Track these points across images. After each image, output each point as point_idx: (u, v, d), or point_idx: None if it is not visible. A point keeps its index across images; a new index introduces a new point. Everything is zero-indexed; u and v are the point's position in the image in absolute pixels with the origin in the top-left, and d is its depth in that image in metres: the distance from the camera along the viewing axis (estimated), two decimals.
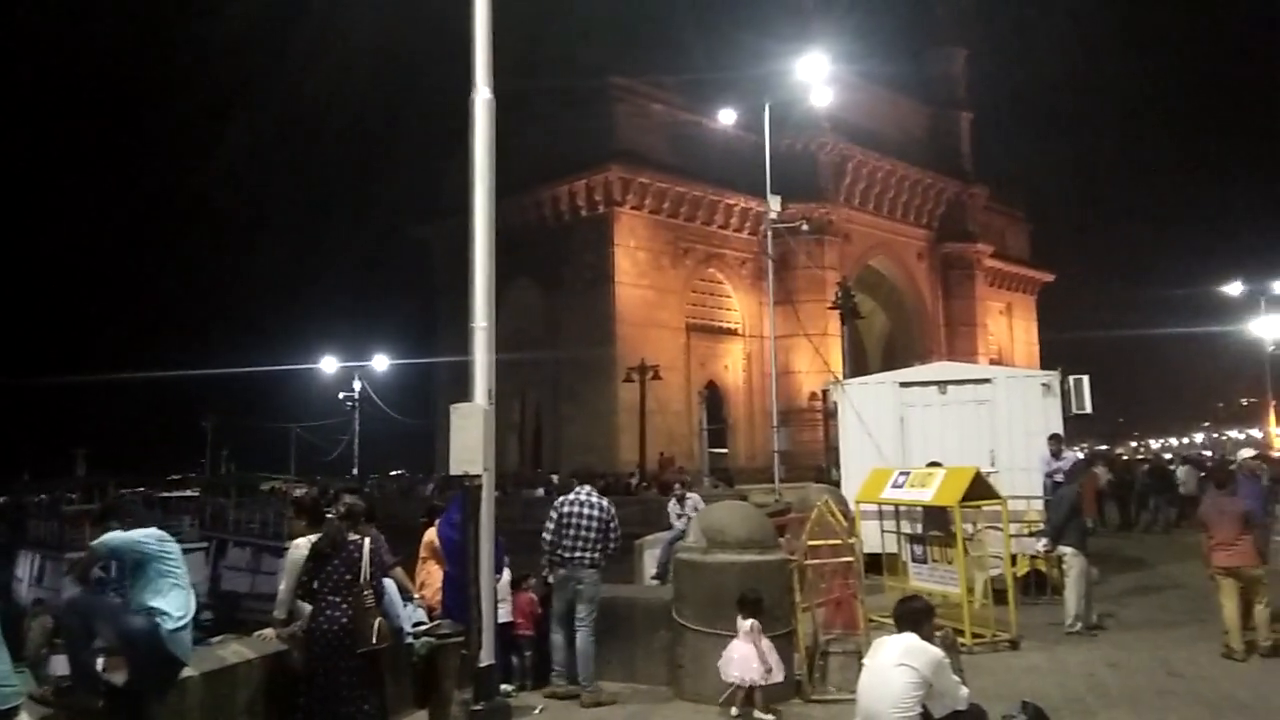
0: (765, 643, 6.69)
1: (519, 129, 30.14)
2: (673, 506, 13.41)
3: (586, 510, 7.54)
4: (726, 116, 32.58)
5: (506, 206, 34.54)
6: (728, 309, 43.26)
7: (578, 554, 7.39)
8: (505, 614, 7.36)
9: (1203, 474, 26.69)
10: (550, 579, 7.56)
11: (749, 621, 6.70)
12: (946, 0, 50.81)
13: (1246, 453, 15.60)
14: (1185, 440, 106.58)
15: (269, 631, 5.90)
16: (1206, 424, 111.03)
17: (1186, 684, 7.40)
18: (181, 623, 4.74)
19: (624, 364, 35.82)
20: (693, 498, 13.32)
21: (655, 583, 11.43)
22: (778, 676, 6.71)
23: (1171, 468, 25.73)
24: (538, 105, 34.69)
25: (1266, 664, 7.93)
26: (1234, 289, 36.59)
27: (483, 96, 7.42)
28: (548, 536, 7.48)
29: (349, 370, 44.51)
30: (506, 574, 7.59)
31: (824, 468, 26.00)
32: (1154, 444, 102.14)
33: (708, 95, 36.03)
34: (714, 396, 42.24)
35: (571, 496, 7.62)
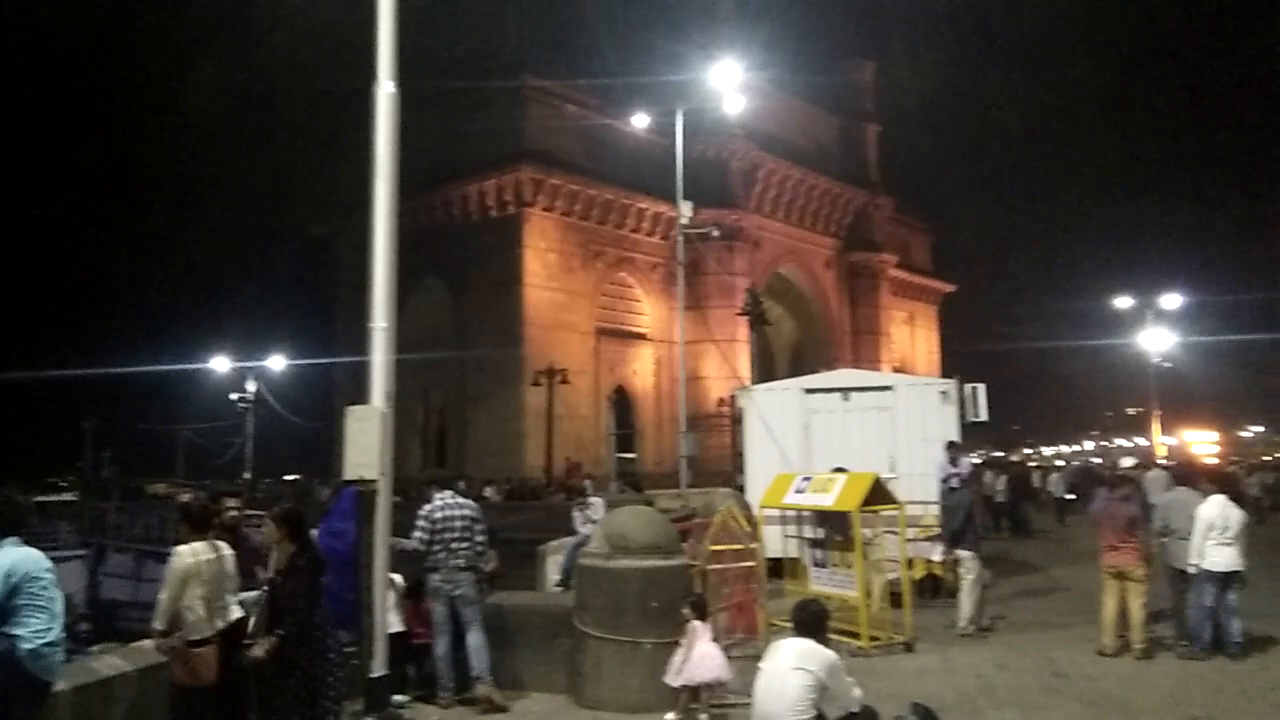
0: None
1: (427, 126, 29.63)
2: (577, 512, 13.30)
3: (458, 513, 7.43)
4: (640, 121, 32.66)
5: (412, 205, 34.03)
6: (638, 313, 43.36)
7: (454, 559, 7.27)
8: (397, 623, 7.17)
9: (1072, 480, 27.97)
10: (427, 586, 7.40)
11: (707, 622, 6.72)
12: (855, 13, 52.10)
13: (1128, 461, 16.30)
14: (1076, 447, 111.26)
15: (148, 643, 5.61)
16: (1096, 432, 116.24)
17: (1070, 683, 7.66)
18: (40, 643, 4.52)
19: (532, 367, 35.55)
20: (596, 502, 13.23)
21: (559, 589, 11.32)
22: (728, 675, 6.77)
23: (1056, 473, 26.90)
24: (448, 103, 34.19)
25: (1142, 664, 8.28)
26: (1124, 302, 38.29)
27: (385, 90, 7.24)
28: (419, 543, 7.31)
29: (243, 370, 42.96)
30: (397, 580, 7.40)
31: (731, 473, 26.24)
32: (1047, 451, 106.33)
33: (621, 99, 36.08)
34: (623, 401, 42.27)
35: (440, 503, 7.47)
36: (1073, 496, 26.16)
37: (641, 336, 43.08)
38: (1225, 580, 8.48)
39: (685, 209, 25.34)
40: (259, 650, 5.35)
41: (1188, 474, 11.81)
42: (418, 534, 7.33)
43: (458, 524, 7.40)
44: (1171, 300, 37.31)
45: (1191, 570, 8.56)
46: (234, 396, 42.83)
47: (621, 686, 6.94)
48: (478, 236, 39.25)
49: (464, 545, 7.36)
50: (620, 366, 42.00)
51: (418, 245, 33.48)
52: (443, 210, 40.00)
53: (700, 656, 6.51)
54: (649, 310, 43.32)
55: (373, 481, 6.40)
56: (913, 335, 59.26)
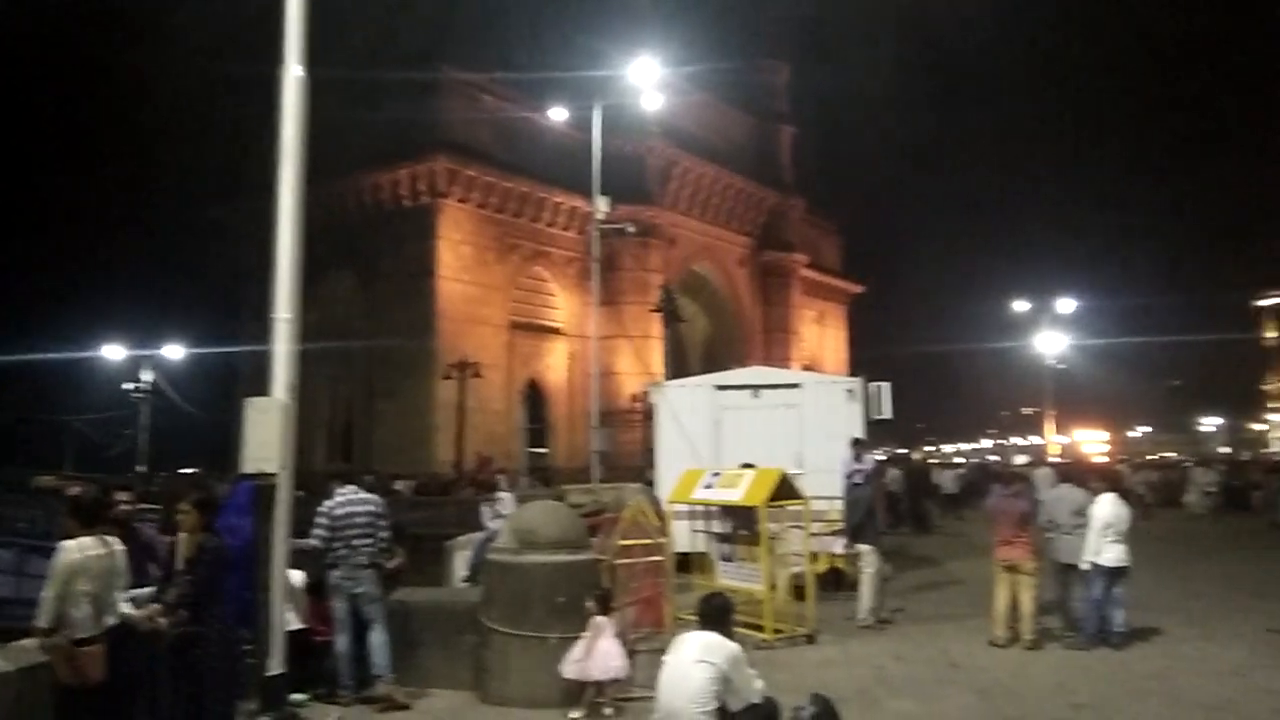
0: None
1: (338, 112, 28.94)
2: (486, 507, 13.22)
3: (361, 509, 7.30)
4: (558, 114, 32.50)
5: (321, 192, 33.15)
6: (552, 308, 43.16)
7: (356, 556, 7.14)
8: (296, 620, 7.01)
9: (961, 476, 29.02)
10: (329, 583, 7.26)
11: (612, 617, 6.71)
12: (771, 15, 52.79)
13: (1022, 459, 16.96)
14: (974, 445, 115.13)
15: (30, 641, 5.37)
16: (994, 430, 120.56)
17: (963, 673, 7.94)
18: None
19: (444, 360, 35.08)
20: (506, 498, 13.16)
21: (466, 585, 11.22)
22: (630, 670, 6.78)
23: (946, 470, 27.87)
24: (360, 90, 33.44)
25: (1031, 654, 8.63)
26: (1022, 306, 39.77)
27: (293, 73, 7.06)
28: (318, 541, 7.15)
29: (138, 359, 41.20)
30: (298, 577, 7.23)
31: (643, 469, 26.36)
32: (947, 448, 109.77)
33: (539, 92, 35.82)
34: (535, 396, 42.04)
35: (341, 499, 7.31)
36: (955, 493, 27.26)
37: (556, 331, 42.90)
38: (1114, 575, 8.89)
39: (602, 204, 25.34)
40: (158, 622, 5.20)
41: (1071, 471, 12.34)
42: (317, 531, 7.16)
43: (360, 520, 7.26)
44: (1066, 305, 38.94)
45: (1085, 566, 8.94)
46: (128, 386, 41.10)
47: (527, 682, 6.92)
48: (390, 226, 38.52)
49: (366, 542, 7.22)
50: (534, 361, 41.76)
51: (326, 234, 32.71)
52: (354, 198, 39.14)
53: (602, 652, 6.53)
54: (564, 305, 43.16)
55: (272, 475, 6.24)
56: (822, 334, 60.39)
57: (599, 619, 6.64)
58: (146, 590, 6.05)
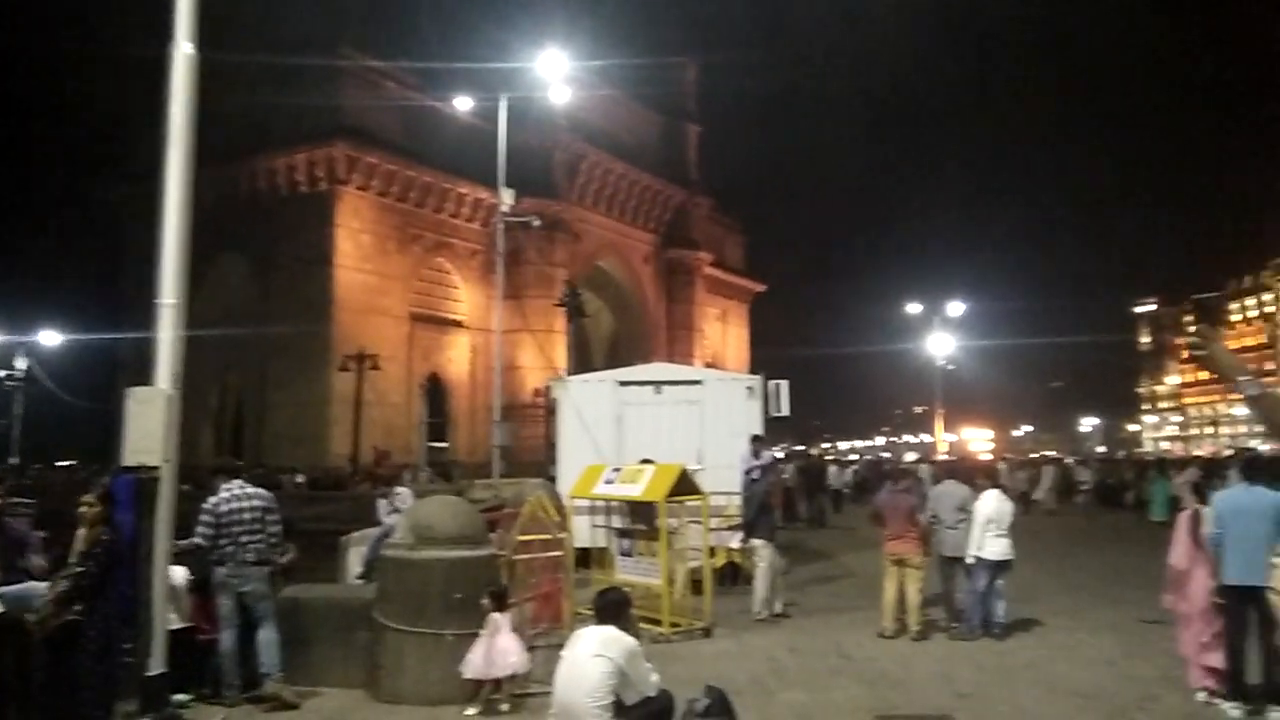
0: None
1: (233, 93, 27.95)
2: (382, 502, 12.97)
3: (248, 504, 7.06)
4: (463, 104, 32.06)
5: (213, 175, 31.90)
6: (455, 300, 42.60)
7: (243, 553, 6.91)
8: (179, 619, 6.74)
9: (854, 473, 29.86)
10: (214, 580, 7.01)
11: (508, 614, 6.63)
12: (678, 14, 53.23)
13: (912, 456, 17.50)
14: (869, 443, 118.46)
15: None
16: (887, 428, 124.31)
17: (853, 664, 8.16)
18: None
19: (340, 351, 34.27)
20: (403, 492, 12.93)
21: (360, 582, 10.98)
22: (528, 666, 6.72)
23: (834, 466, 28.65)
24: (258, 71, 32.33)
25: (918, 645, 8.93)
26: (914, 308, 41.07)
27: (183, 51, 6.78)
28: (201, 539, 6.89)
29: (11, 345, 38.97)
30: (181, 574, 6.96)
31: (544, 464, 26.25)
32: (843, 445, 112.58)
33: (445, 81, 35.26)
34: (436, 389, 41.46)
35: (227, 495, 7.07)
36: (849, 489, 27.99)
37: (458, 324, 42.36)
38: (997, 568, 9.25)
39: (507, 196, 25.11)
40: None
41: (952, 469, 12.81)
42: (200, 528, 6.89)
43: (247, 516, 7.01)
44: (956, 308, 40.37)
45: (970, 560, 9.27)
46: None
47: (422, 679, 6.82)
48: (286, 212, 37.40)
49: (254, 538, 6.98)
50: (435, 354, 41.16)
51: (218, 218, 31.54)
52: (248, 182, 37.88)
53: (499, 650, 6.48)
54: (466, 297, 42.65)
55: (155, 469, 5.99)
56: (725, 332, 61.20)
57: (495, 616, 6.59)
58: (16, 587, 5.74)
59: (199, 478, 14.46)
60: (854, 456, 67.54)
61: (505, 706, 6.54)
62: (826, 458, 46.71)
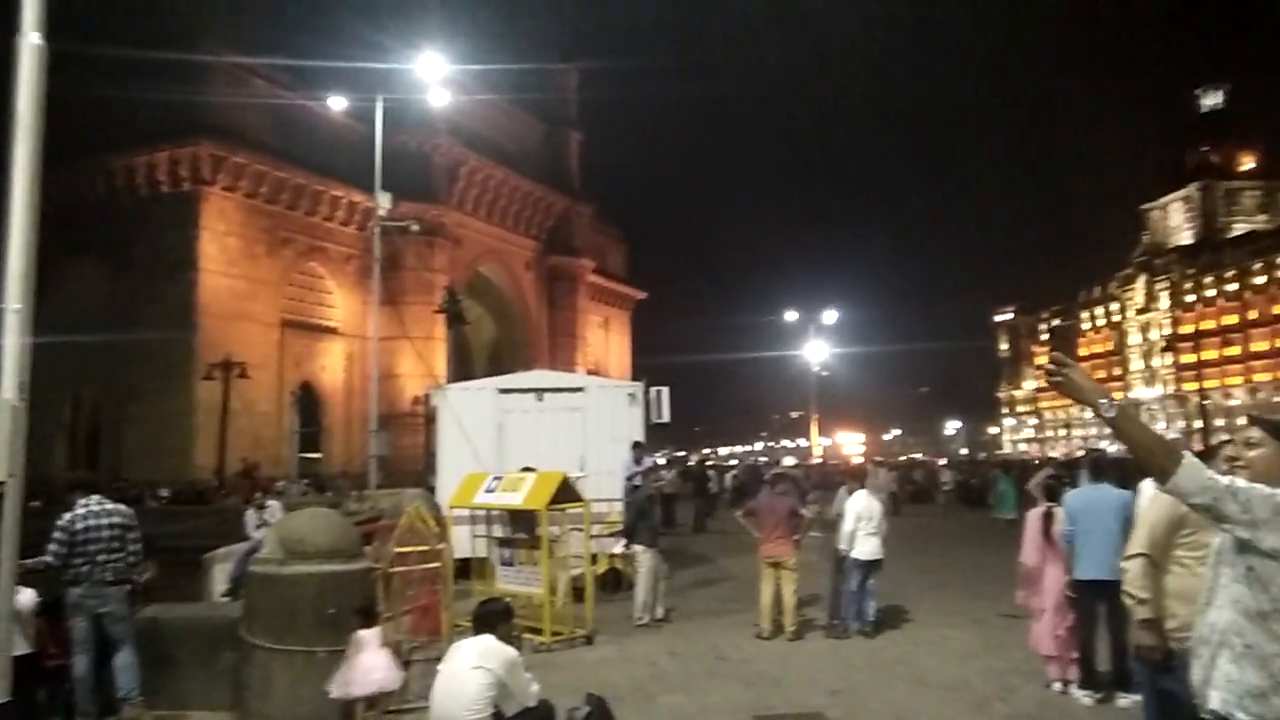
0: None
1: (88, 88, 26.44)
2: (251, 515, 12.47)
3: (105, 521, 6.70)
4: (337, 104, 31.21)
5: (64, 173, 30.18)
6: (329, 306, 41.38)
7: (100, 572, 6.54)
8: (25, 644, 6.31)
9: (735, 477, 30.41)
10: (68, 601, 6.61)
11: (376, 630, 6.43)
12: (560, 20, 53.25)
13: (789, 460, 17.93)
14: (747, 448, 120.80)
15: None
16: (765, 434, 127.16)
17: (731, 665, 8.30)
18: None
19: (206, 359, 32.79)
20: (273, 505, 12.48)
21: (226, 600, 10.52)
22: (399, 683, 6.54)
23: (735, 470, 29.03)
24: (115, 65, 30.64)
25: (794, 644, 9.15)
26: (791, 317, 42.17)
27: (30, 41, 6.36)
28: (53, 558, 6.50)
29: None
30: (28, 597, 6.52)
31: (423, 473, 25.76)
32: (723, 451, 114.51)
33: (318, 81, 34.26)
34: (309, 398, 40.16)
35: (82, 511, 6.69)
36: (728, 493, 28.48)
37: (332, 331, 41.16)
38: (869, 567, 9.56)
39: (384, 200, 24.56)
40: None
41: (830, 471, 13.23)
42: (53, 547, 6.48)
43: (104, 533, 6.63)
44: (830, 316, 41.66)
45: (844, 559, 9.56)
46: None
47: (292, 699, 6.57)
48: (146, 214, 35.60)
49: (113, 557, 6.61)
50: (307, 361, 39.87)
51: (70, 218, 29.79)
52: (104, 182, 35.90)
53: (366, 667, 6.31)
54: (341, 303, 41.48)
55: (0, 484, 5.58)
56: (607, 339, 61.42)
57: (361, 633, 6.41)
58: None
59: (52, 493, 13.59)
60: (733, 461, 68.71)
61: None
62: (708, 464, 47.49)
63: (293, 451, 38.20)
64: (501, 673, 4.76)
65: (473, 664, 4.78)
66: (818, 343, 42.31)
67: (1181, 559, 4.01)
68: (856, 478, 10.65)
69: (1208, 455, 4.24)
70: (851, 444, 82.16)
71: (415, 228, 29.57)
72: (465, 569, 10.52)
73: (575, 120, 54.75)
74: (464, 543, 10.37)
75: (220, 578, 11.56)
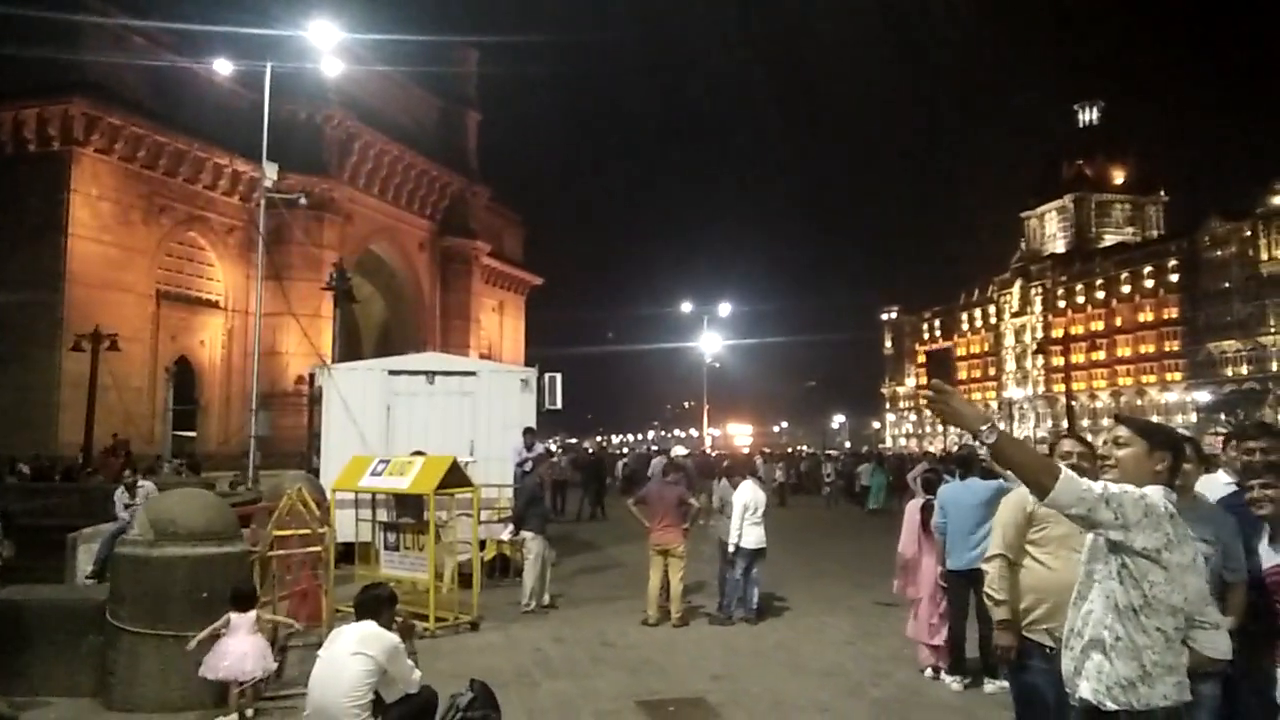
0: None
1: None
2: (120, 495, 11.90)
3: None
4: (223, 68, 29.92)
5: None
6: (209, 279, 39.72)
7: None
8: None
9: (625, 465, 30.61)
10: None
11: (249, 614, 6.20)
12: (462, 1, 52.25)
13: (680, 450, 18.15)
14: (639, 436, 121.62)
15: None
16: (657, 423, 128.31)
17: (616, 651, 8.36)
18: None
19: (73, 330, 30.99)
20: (146, 485, 11.94)
21: (92, 582, 10.03)
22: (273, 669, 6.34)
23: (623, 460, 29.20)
24: None
25: (678, 631, 9.27)
26: (687, 308, 42.67)
27: None
28: None
29: None
30: None
31: (307, 455, 25.04)
32: (615, 439, 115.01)
33: (206, 44, 32.73)
34: (185, 374, 38.51)
35: None
36: (620, 481, 28.67)
37: (213, 304, 39.56)
38: (754, 555, 9.75)
39: (270, 171, 23.68)
40: None
41: (713, 461, 13.46)
42: None
43: None
44: (724, 309, 42.30)
45: (730, 548, 9.72)
46: None
47: (162, 685, 6.32)
48: (10, 174, 33.43)
49: None
50: (185, 335, 38.23)
51: None
52: None
53: (239, 653, 6.11)
54: (223, 276, 39.88)
55: None
56: (502, 323, 60.82)
57: (234, 616, 6.21)
58: None
59: None
60: (625, 450, 69.14)
61: (250, 711, 6.19)
62: (611, 450, 47.64)
63: (167, 429, 36.61)
64: (382, 659, 4.68)
65: (353, 650, 4.69)
66: (711, 335, 42.91)
67: (1034, 554, 4.20)
68: (745, 468, 10.84)
69: (1050, 451, 4.47)
70: (741, 435, 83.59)
71: (303, 201, 28.62)
72: (348, 554, 10.30)
73: (474, 100, 53.87)
74: (347, 527, 10.14)
75: (85, 559, 11.01)
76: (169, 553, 6.56)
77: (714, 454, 35.33)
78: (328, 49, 25.39)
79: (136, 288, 35.50)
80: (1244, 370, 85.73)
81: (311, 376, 21.47)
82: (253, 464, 21.99)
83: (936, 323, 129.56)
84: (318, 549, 8.26)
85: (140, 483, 12.22)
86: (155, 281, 36.67)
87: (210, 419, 39.23)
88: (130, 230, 35.55)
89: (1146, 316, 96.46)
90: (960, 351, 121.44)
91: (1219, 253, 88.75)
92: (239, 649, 6.12)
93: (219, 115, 35.80)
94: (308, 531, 8.32)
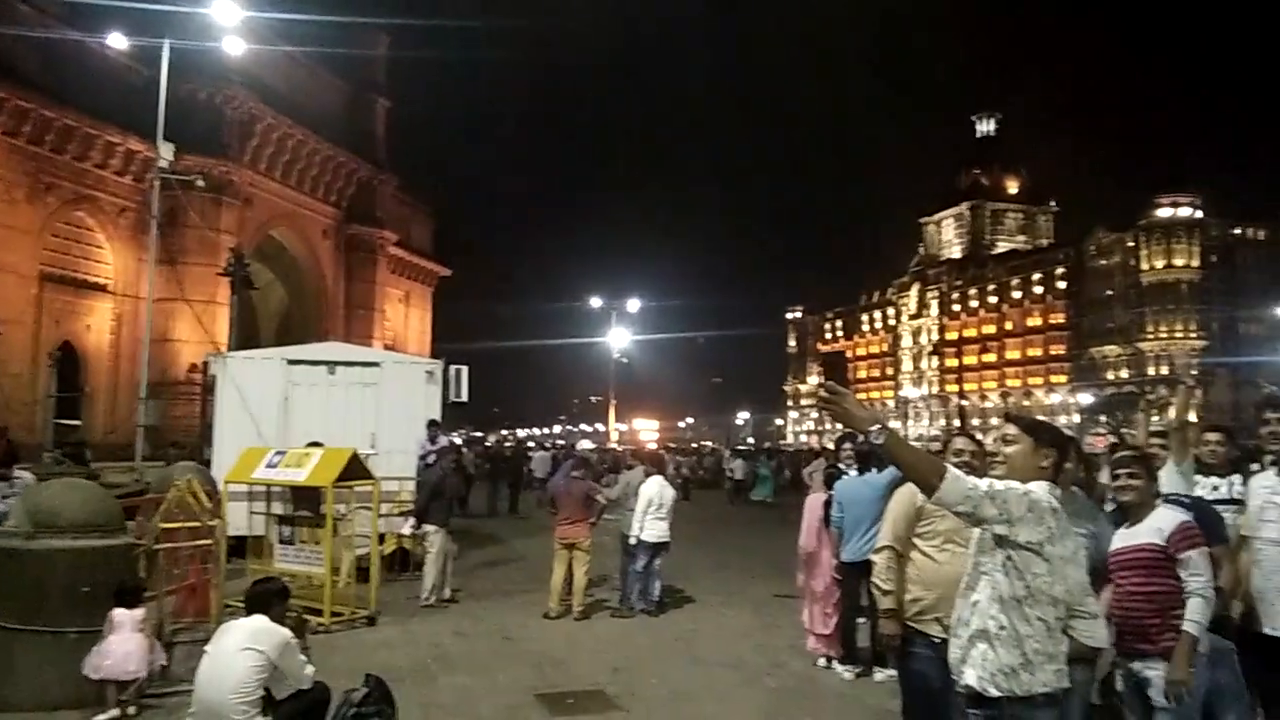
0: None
1: None
2: None
3: None
4: (117, 42, 28.58)
5: None
6: (98, 261, 37.89)
7: None
8: None
9: (557, 459, 30.46)
10: None
11: (135, 612, 5.96)
12: None
13: (586, 444, 18.17)
14: (545, 430, 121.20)
15: None
16: (564, 417, 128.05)
17: (517, 645, 8.35)
18: None
19: None
20: (25, 476, 11.34)
21: None
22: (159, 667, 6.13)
23: (531, 454, 28.99)
24: None
25: (580, 624, 9.30)
26: (596, 303, 42.69)
27: None
28: None
29: None
30: None
31: (199, 446, 24.20)
32: (521, 433, 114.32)
33: (98, 17, 31.17)
34: (70, 360, 36.67)
35: None
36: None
37: (101, 288, 37.76)
38: (657, 549, 9.85)
39: (166, 151, 22.81)
40: None
41: (621, 456, 13.54)
42: None
43: None
44: (633, 304, 42.48)
45: (632, 541, 9.79)
46: None
47: (37, 684, 6.05)
48: None
49: None
50: (70, 320, 36.41)
51: None
52: None
53: (123, 652, 5.90)
54: (113, 260, 38.10)
55: None
56: (408, 315, 59.69)
57: (116, 613, 5.98)
58: None
59: None
60: (531, 444, 68.78)
61: (133, 709, 5.97)
62: (526, 445, 47.22)
63: (49, 417, 34.84)
64: (273, 654, 4.58)
65: (242, 645, 4.58)
66: (620, 330, 43.03)
67: (921, 548, 4.36)
68: (651, 463, 10.93)
69: (943, 449, 4.66)
70: (648, 430, 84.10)
71: (201, 183, 27.60)
72: (241, 548, 10.01)
73: (384, 86, 52.65)
74: (240, 520, 9.86)
75: None
76: (48, 545, 6.30)
77: (621, 449, 35.48)
78: (230, 27, 24.55)
79: (18, 269, 33.63)
80: (1124, 374, 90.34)
81: (205, 365, 20.77)
82: (139, 454, 21.15)
83: (838, 323, 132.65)
84: (207, 542, 7.99)
85: (17, 473, 11.61)
86: (39, 263, 34.80)
87: (97, 407, 37.45)
88: (13, 209, 33.64)
89: (1035, 321, 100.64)
90: (860, 352, 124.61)
91: (1104, 262, 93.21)
92: (123, 648, 5.91)
93: (113, 92, 34.16)
94: (198, 524, 8.05)
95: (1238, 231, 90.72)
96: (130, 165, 37.18)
